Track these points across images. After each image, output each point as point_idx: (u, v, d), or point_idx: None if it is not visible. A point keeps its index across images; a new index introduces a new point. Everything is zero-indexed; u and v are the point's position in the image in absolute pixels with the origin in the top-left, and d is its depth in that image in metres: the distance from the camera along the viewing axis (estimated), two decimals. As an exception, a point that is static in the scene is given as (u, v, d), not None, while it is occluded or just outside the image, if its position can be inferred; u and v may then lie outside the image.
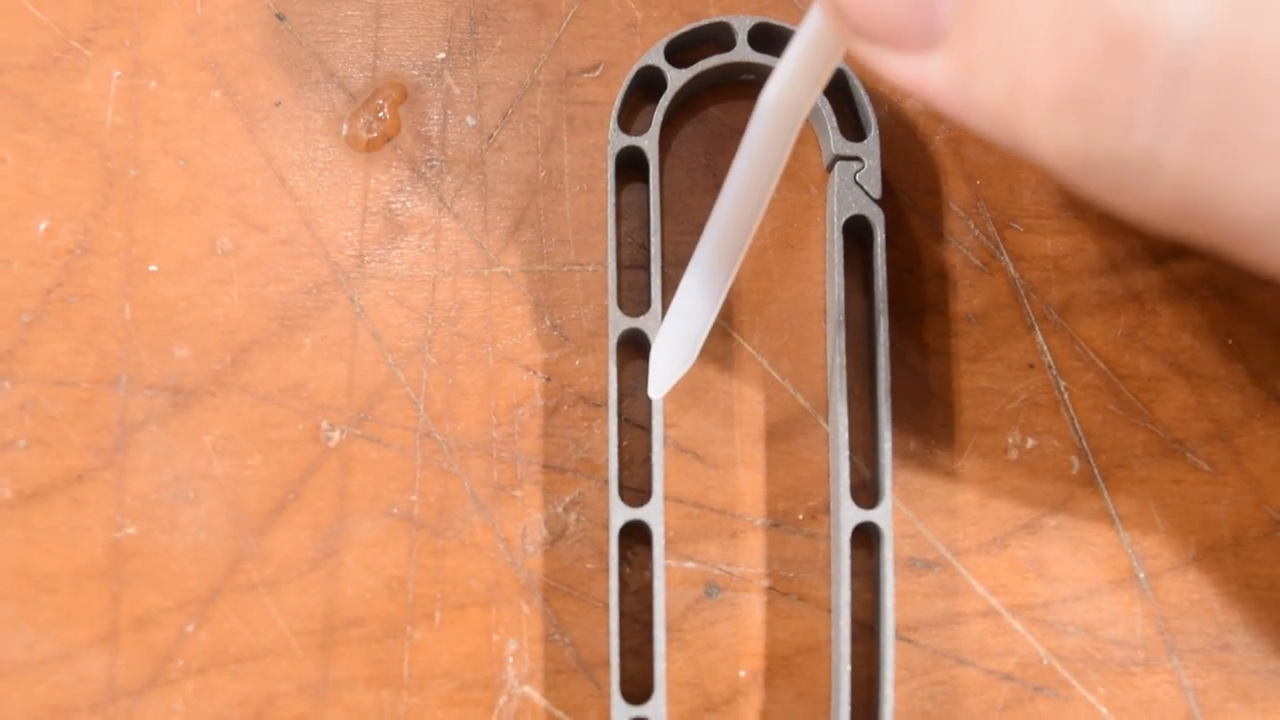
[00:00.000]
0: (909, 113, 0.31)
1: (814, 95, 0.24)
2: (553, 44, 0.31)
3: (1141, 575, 0.30)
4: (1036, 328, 0.31)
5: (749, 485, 0.30)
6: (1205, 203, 0.18)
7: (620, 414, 0.30)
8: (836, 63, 0.23)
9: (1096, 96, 0.18)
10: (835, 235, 0.30)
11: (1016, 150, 0.20)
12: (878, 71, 0.21)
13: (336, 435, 0.30)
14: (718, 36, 0.31)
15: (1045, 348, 0.31)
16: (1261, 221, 0.18)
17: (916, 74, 0.20)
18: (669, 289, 0.29)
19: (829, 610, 0.30)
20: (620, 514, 0.29)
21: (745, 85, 0.31)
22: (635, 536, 0.29)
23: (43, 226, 0.31)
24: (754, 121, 0.25)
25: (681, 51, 0.31)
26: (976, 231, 0.31)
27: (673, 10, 0.31)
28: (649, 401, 0.30)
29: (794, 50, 0.23)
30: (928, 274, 0.31)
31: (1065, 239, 0.31)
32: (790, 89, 0.24)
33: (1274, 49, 0.17)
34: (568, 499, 0.30)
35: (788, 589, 0.30)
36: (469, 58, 0.31)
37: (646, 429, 0.30)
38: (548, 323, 0.31)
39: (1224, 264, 0.31)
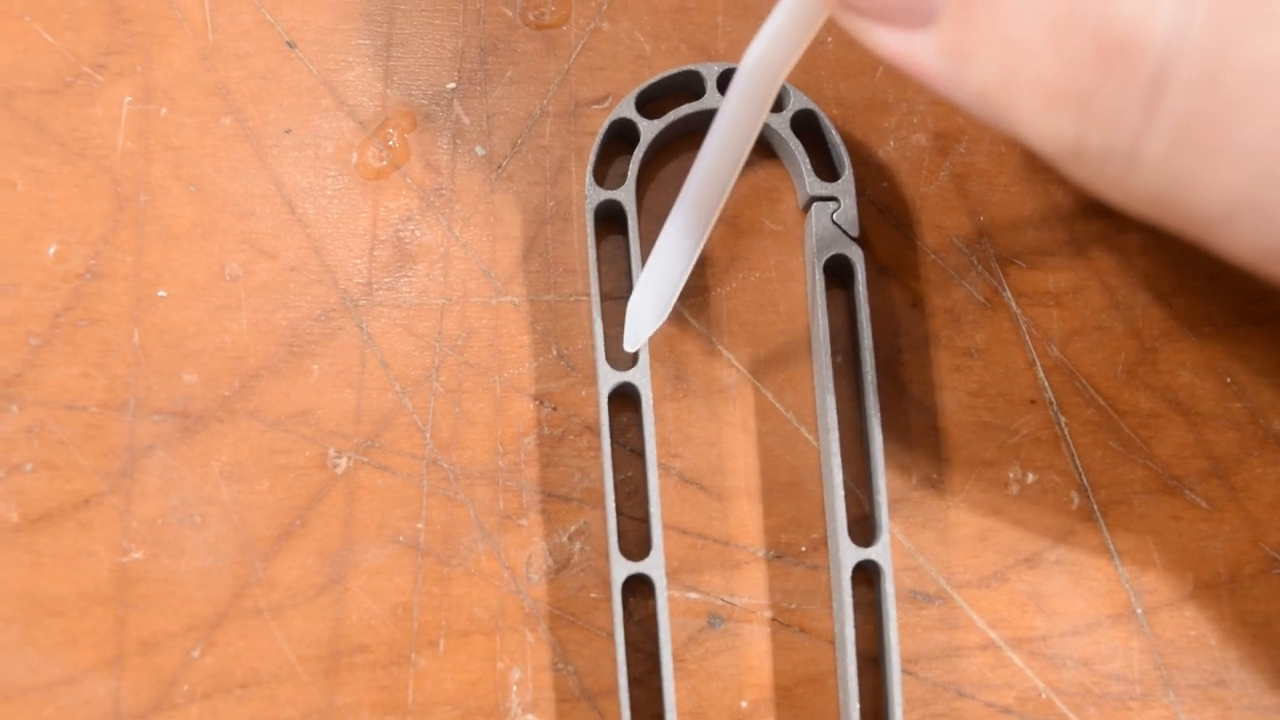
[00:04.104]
0: (913, 148, 0.32)
1: (793, 60, 0.25)
2: (562, 75, 0.32)
3: (1139, 610, 0.30)
4: (1038, 363, 0.31)
5: (752, 516, 0.30)
6: (1177, 196, 0.20)
7: (625, 445, 0.30)
8: (817, 29, 0.24)
9: (1089, 95, 0.20)
10: (816, 275, 0.30)
11: (1002, 131, 0.21)
12: (863, 44, 0.22)
13: (343, 462, 0.30)
14: (688, 84, 0.31)
15: (1046, 383, 0.31)
16: (1224, 216, 0.20)
17: (904, 50, 0.22)
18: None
19: (831, 642, 0.30)
20: (621, 569, 0.29)
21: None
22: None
23: (52, 250, 0.31)
24: (734, 84, 0.26)
25: (654, 101, 0.31)
26: (979, 267, 0.31)
27: (681, 43, 0.32)
28: (661, 436, 0.30)
29: (777, 15, 0.24)
30: (931, 309, 0.31)
31: (1067, 275, 0.31)
32: (770, 53, 0.25)
33: (1243, 68, 0.19)
34: (572, 528, 0.30)
35: (790, 620, 0.30)
36: (479, 88, 0.32)
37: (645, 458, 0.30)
38: (554, 352, 0.31)
39: (1223, 302, 0.31)
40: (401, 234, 0.31)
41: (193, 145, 0.31)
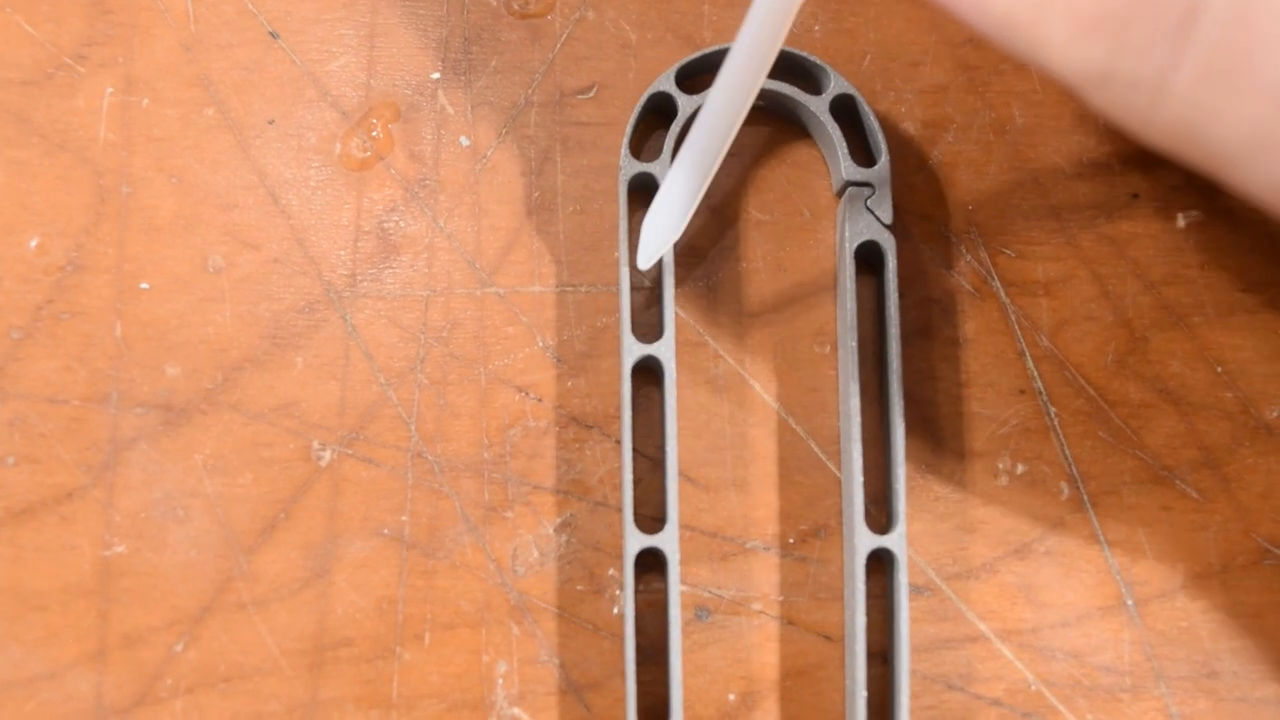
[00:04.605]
0: (901, 137, 0.31)
1: None
2: (547, 65, 0.31)
3: (1130, 602, 0.30)
4: (1027, 353, 0.31)
5: (740, 509, 0.30)
6: (1199, 129, 0.21)
7: (614, 436, 0.30)
8: None
9: (1123, 23, 0.20)
10: (847, 261, 0.30)
11: (1026, 60, 0.22)
12: None
13: (327, 455, 0.30)
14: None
15: (1035, 373, 0.31)
16: (1245, 150, 0.21)
17: None
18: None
19: (821, 635, 0.30)
20: (636, 541, 0.29)
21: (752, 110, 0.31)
22: (636, 561, 0.29)
23: (34, 243, 0.30)
24: (755, 2, 0.25)
25: (688, 78, 0.31)
26: (968, 257, 0.31)
27: (666, 32, 0.32)
28: (656, 428, 0.30)
29: None
30: (919, 299, 0.31)
31: (1056, 265, 0.31)
32: None
33: (1271, 7, 0.19)
34: (559, 520, 0.30)
35: (778, 613, 0.30)
36: (463, 77, 0.31)
37: (644, 454, 0.30)
38: (540, 344, 0.31)
39: (1214, 291, 0.31)
40: (386, 225, 0.31)
41: (175, 137, 0.31)
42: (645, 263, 0.29)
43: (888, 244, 0.30)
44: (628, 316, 0.30)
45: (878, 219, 0.30)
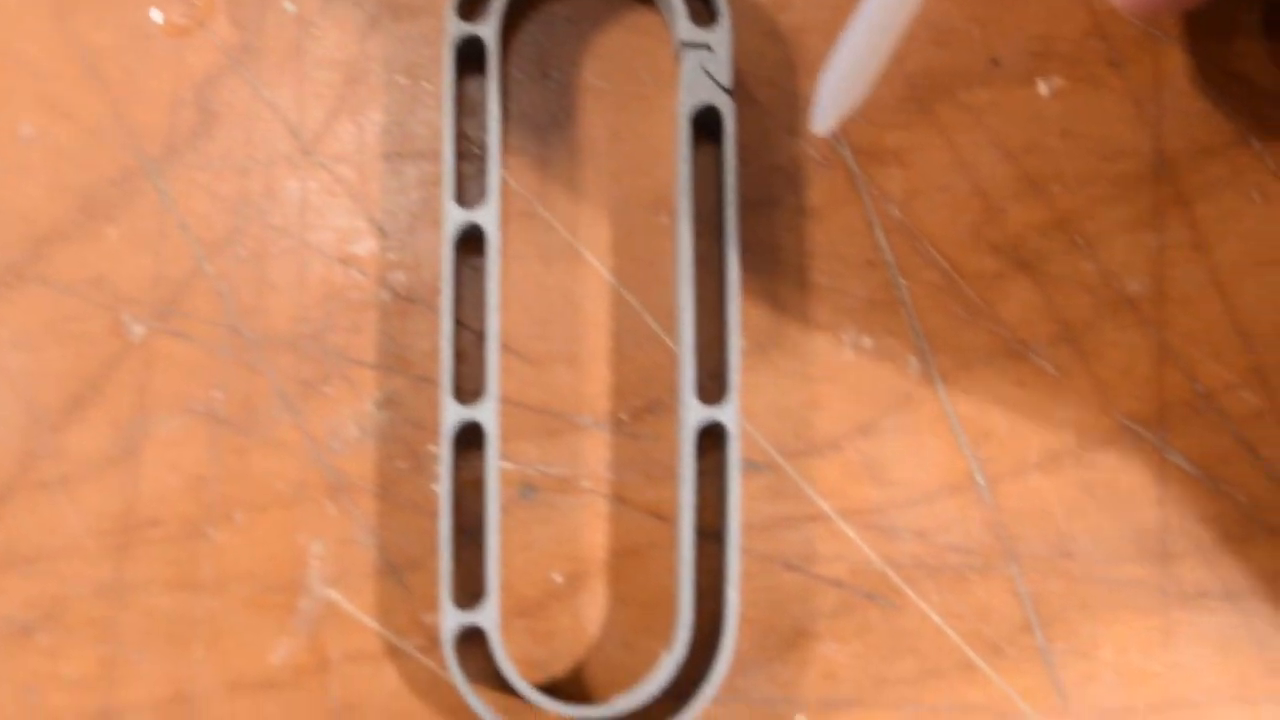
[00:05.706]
0: (749, 1, 0.30)
1: None
2: (378, -72, 0.30)
3: (980, 480, 0.29)
4: (877, 224, 0.29)
5: (571, 384, 0.29)
6: None
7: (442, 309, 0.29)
8: None
9: None
10: (684, 127, 0.29)
11: None
12: None
13: (139, 329, 0.29)
14: None
15: (885, 245, 0.29)
16: None
17: None
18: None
19: (651, 514, 0.29)
20: (454, 413, 0.28)
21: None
22: (462, 438, 0.28)
23: None
24: None
25: None
26: (818, 125, 0.30)
27: (505, -106, 0.30)
28: (483, 301, 0.28)
29: None
30: (764, 167, 0.30)
31: (909, 133, 0.30)
32: None
33: None
34: (380, 396, 0.29)
35: (608, 491, 0.29)
36: (290, -59, 0.30)
37: (469, 327, 0.29)
38: (364, 216, 0.29)
39: (1075, 159, 0.30)
40: (205, 94, 0.30)
41: (-15, 2, 0.30)
42: (822, 128, 0.25)
43: (726, 108, 0.29)
44: (450, 182, 0.28)
45: (717, 82, 0.29)
